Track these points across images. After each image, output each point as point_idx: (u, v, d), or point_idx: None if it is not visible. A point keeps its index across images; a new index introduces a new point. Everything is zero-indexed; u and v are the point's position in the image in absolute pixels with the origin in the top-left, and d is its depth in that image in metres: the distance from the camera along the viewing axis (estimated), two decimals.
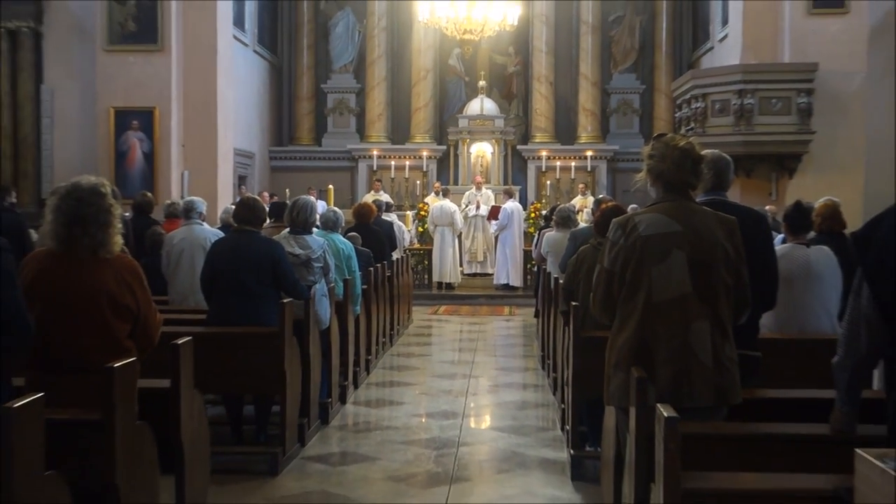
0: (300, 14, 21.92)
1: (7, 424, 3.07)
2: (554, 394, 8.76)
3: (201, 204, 8.57)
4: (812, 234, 6.46)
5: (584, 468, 6.35)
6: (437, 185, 19.73)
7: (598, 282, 4.16)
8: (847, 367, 3.29)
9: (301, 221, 7.67)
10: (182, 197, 12.47)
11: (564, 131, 21.89)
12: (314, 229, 8.05)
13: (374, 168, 21.12)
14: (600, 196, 17.18)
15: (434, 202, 18.15)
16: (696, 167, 4.10)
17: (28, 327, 3.66)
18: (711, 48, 18.85)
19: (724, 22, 17.11)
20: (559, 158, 21.07)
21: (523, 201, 19.80)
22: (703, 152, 4.24)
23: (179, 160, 14.42)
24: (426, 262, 17.79)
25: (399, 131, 22.08)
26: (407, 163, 21.02)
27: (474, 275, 18.40)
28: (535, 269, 14.39)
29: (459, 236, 17.96)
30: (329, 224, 8.92)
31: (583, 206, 16.60)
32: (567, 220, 10.57)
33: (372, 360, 10.41)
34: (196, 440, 4.77)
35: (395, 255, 13.20)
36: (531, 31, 21.52)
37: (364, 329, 9.78)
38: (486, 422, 8.29)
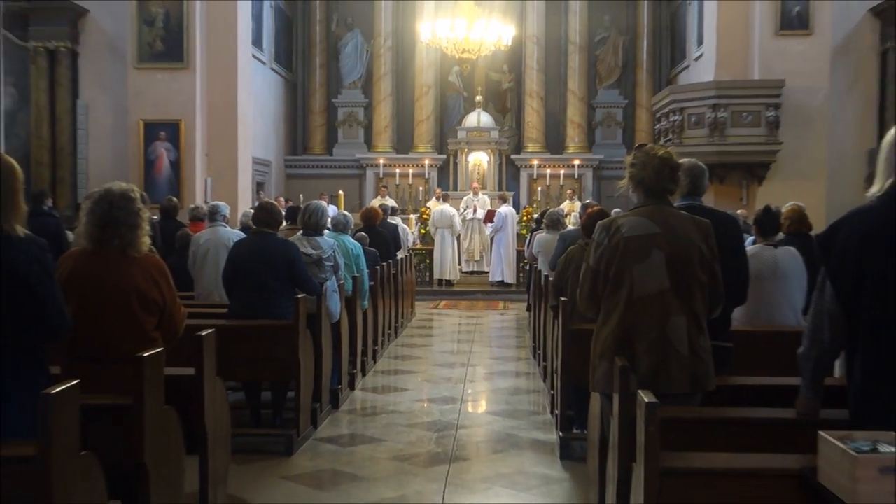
0: (313, 35, 21.91)
1: (46, 409, 3.08)
2: (544, 381, 8.76)
3: (225, 208, 8.58)
4: (780, 235, 6.46)
5: (572, 449, 6.35)
6: (437, 191, 19.73)
7: (585, 279, 4.15)
8: (811, 357, 3.29)
9: (313, 224, 7.67)
10: (206, 201, 12.47)
11: (554, 142, 21.88)
12: (326, 231, 8.05)
13: (381, 175, 21.12)
14: (586, 201, 17.18)
15: (435, 206, 18.16)
16: (674, 174, 4.10)
17: (66, 319, 3.66)
18: (688, 66, 18.84)
19: (700, 42, 17.10)
20: (549, 167, 21.12)
21: (516, 206, 19.82)
22: (680, 161, 4.24)
23: (203, 168, 14.41)
24: (428, 261, 17.80)
25: (403, 142, 22.06)
26: (410, 170, 21.06)
27: (472, 273, 18.39)
28: (528, 267, 14.40)
29: (458, 237, 17.98)
30: (339, 226, 8.92)
31: (571, 210, 16.57)
32: (556, 222, 10.57)
33: (378, 350, 10.41)
34: (218, 423, 4.76)
35: (400, 255, 13.19)
36: (524, 50, 21.50)
37: (371, 322, 9.78)
38: (483, 406, 8.29)
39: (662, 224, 3.99)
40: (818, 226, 6.19)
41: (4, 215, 3.55)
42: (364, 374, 9.28)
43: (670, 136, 14.65)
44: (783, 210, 6.93)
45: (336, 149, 22.20)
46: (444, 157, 21.63)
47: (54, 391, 3.12)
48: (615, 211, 9.08)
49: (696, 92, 14.72)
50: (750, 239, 6.43)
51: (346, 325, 8.30)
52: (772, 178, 14.24)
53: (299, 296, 6.73)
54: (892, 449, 2.70)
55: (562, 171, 21.01)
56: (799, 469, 2.96)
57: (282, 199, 17.27)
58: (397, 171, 21.03)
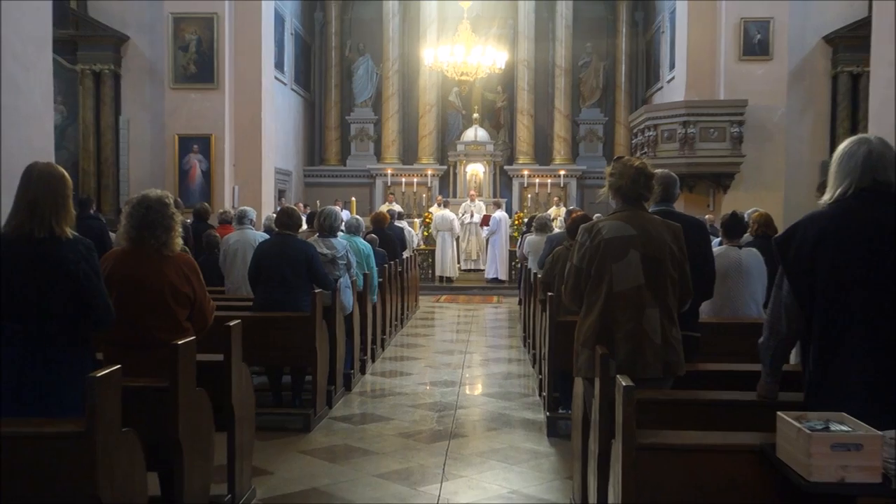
0: (329, 59, 21.92)
1: (92, 390, 3.07)
2: (533, 366, 8.76)
3: (252, 212, 8.57)
4: (746, 237, 6.46)
5: (558, 427, 6.35)
6: (439, 198, 19.81)
7: (569, 276, 4.15)
8: (770, 346, 3.29)
9: (328, 227, 7.67)
10: (233, 207, 12.48)
11: (542, 154, 21.87)
12: (339, 233, 8.05)
13: (388, 184, 21.13)
14: (571, 207, 17.24)
15: (437, 211, 18.18)
16: (649, 183, 4.10)
17: (110, 311, 3.67)
18: (661, 87, 18.85)
19: (672, 66, 17.11)
20: (538, 176, 21.12)
21: (509, 211, 19.78)
22: (654, 171, 4.24)
23: (231, 177, 14.41)
24: (430, 260, 17.79)
25: (408, 154, 22.06)
26: (415, 179, 21.08)
27: (469, 270, 18.40)
28: (519, 265, 14.39)
29: (457, 239, 17.98)
30: (352, 229, 8.92)
31: (557, 215, 16.58)
32: (544, 226, 10.57)
33: (386, 339, 10.41)
34: (244, 403, 4.76)
35: (405, 255, 13.18)
36: (515, 73, 21.50)
37: (380, 314, 9.79)
38: (479, 389, 8.28)
39: (638, 227, 3.98)
40: (777, 229, 6.19)
41: (56, 219, 3.56)
42: (373, 360, 9.28)
43: (645, 149, 14.66)
44: (752, 216, 6.93)
45: (349, 160, 22.21)
46: (445, 167, 21.62)
47: (99, 375, 3.12)
48: (596, 216, 9.09)
49: (669, 110, 14.72)
50: (716, 241, 6.43)
51: (358, 317, 8.30)
52: (736, 187, 14.25)
53: (316, 290, 6.73)
54: (843, 428, 2.70)
55: (549, 181, 21.01)
56: (759, 445, 2.96)
57: (301, 204, 17.26)
58: (403, 180, 21.05)
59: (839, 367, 3.02)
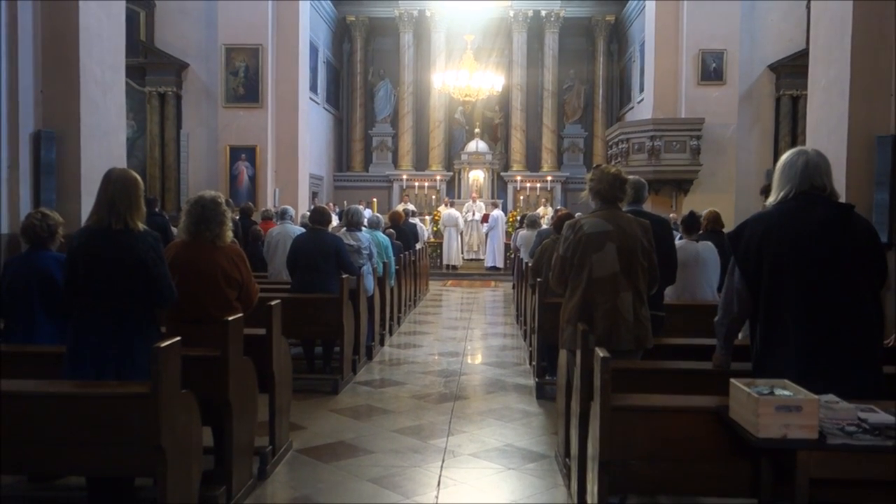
0: (354, 83, 21.88)
1: (156, 358, 3.09)
2: (524, 340, 8.75)
3: (291, 210, 8.59)
4: (700, 232, 6.42)
5: (545, 391, 6.35)
6: (446, 199, 19.77)
7: (555, 265, 4.14)
8: (724, 323, 3.27)
9: (353, 222, 7.67)
10: (274, 206, 12.48)
11: (532, 163, 21.79)
12: (363, 228, 8.04)
13: (404, 187, 21.08)
14: (557, 207, 17.19)
15: (444, 210, 18.14)
16: (624, 187, 4.09)
17: (173, 292, 3.67)
18: (633, 107, 18.76)
19: (641, 89, 17.03)
20: (529, 181, 21.04)
21: (505, 210, 19.75)
22: (627, 177, 4.22)
23: (272, 181, 14.40)
24: (439, 251, 17.76)
25: (421, 162, 22.00)
26: (426, 183, 21.02)
27: (471, 260, 18.37)
28: (513, 256, 14.37)
29: (461, 234, 17.96)
30: (373, 224, 8.92)
31: (545, 213, 16.52)
32: (534, 223, 10.54)
33: (402, 316, 10.41)
34: (283, 370, 4.77)
35: (418, 246, 13.17)
36: (510, 95, 21.41)
37: (396, 296, 9.78)
38: (479, 359, 8.28)
39: (614, 224, 3.97)
40: (729, 226, 6.15)
41: (130, 214, 3.57)
42: (391, 335, 9.27)
43: (619, 159, 14.59)
44: (703, 214, 6.90)
45: (371, 167, 22.17)
46: (451, 173, 21.57)
47: (162, 345, 3.13)
48: (578, 214, 9.07)
49: (639, 127, 14.66)
50: (678, 236, 6.40)
51: (378, 298, 8.30)
52: (694, 191, 14.19)
53: (343, 276, 6.72)
54: (786, 392, 2.69)
55: (538, 185, 20.93)
56: (715, 407, 2.95)
57: (331, 204, 17.27)
58: (416, 183, 21.00)
59: (779, 341, 3.01)
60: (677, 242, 5.53)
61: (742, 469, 2.89)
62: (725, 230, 6.36)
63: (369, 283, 7.76)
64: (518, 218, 16.11)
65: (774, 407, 2.57)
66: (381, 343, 8.61)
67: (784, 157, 3.17)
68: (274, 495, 4.18)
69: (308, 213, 8.66)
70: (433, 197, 20.85)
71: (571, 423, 3.91)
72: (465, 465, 4.66)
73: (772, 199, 3.14)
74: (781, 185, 3.10)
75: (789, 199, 3.07)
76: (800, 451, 2.58)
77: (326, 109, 20.30)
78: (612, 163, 14.53)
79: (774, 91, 14.86)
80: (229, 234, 4.27)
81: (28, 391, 3.31)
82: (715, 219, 6.83)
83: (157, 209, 10.40)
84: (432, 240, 17.82)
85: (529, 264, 8.23)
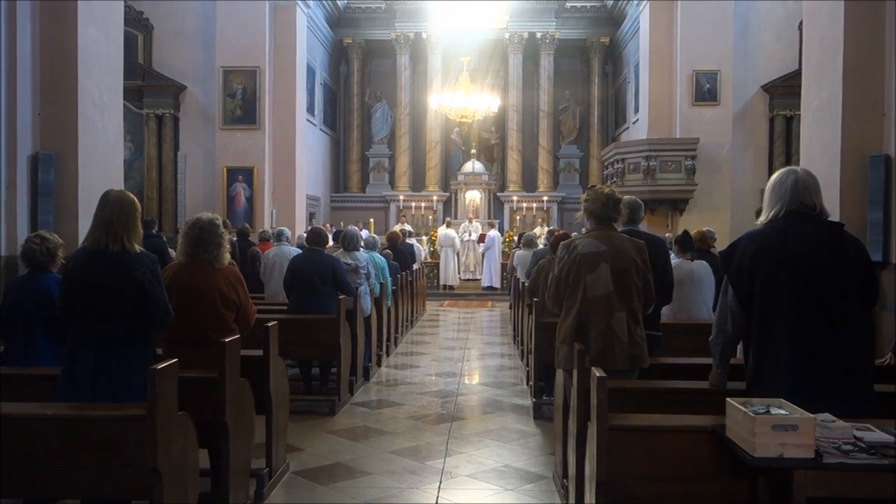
0: (351, 104, 21.96)
1: (153, 380, 3.08)
2: (521, 360, 8.74)
3: (287, 231, 8.61)
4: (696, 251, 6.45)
5: (542, 411, 6.33)
6: (447, 219, 19.80)
7: (551, 284, 4.15)
8: (719, 342, 3.28)
9: (351, 243, 7.67)
10: (272, 227, 12.48)
11: (528, 183, 21.83)
12: (360, 248, 8.05)
13: (401, 207, 21.08)
14: (552, 227, 17.22)
15: (441, 230, 18.16)
16: (617, 207, 4.11)
17: (170, 314, 3.67)
18: (628, 127, 18.86)
19: (636, 110, 17.14)
20: (525, 201, 21.05)
21: (501, 230, 19.76)
22: (622, 197, 4.24)
23: (270, 202, 14.43)
24: (435, 271, 17.76)
25: (417, 183, 22.02)
26: (423, 204, 21.01)
27: (468, 280, 18.34)
28: (509, 276, 14.37)
29: (458, 254, 17.97)
30: (370, 245, 8.92)
31: (541, 233, 16.52)
32: (530, 243, 10.55)
33: (398, 337, 10.39)
34: (279, 391, 4.75)
35: (415, 266, 13.17)
36: (506, 116, 21.50)
37: (393, 316, 9.77)
38: (476, 379, 8.26)
39: (608, 244, 3.98)
40: (723, 246, 6.19)
41: (127, 236, 3.58)
42: (388, 355, 9.25)
43: (615, 179, 14.67)
44: (693, 234, 6.94)
45: (368, 188, 22.19)
46: (448, 194, 21.58)
47: (159, 367, 3.13)
48: (574, 234, 9.08)
49: (634, 147, 14.75)
50: (673, 255, 6.42)
51: (375, 319, 8.29)
52: (690, 210, 14.25)
53: (340, 297, 6.72)
54: (781, 411, 2.69)
55: (534, 205, 20.94)
56: (711, 426, 2.95)
57: (328, 224, 17.28)
58: (413, 204, 20.99)
59: (772, 359, 3.01)
60: (673, 262, 5.55)
61: (739, 488, 2.88)
62: (718, 250, 6.38)
63: (366, 303, 7.75)
64: (514, 238, 16.13)
65: (770, 426, 2.58)
66: (379, 364, 8.58)
67: (774, 176, 3.20)
68: None
69: (305, 234, 8.68)
70: (430, 217, 20.86)
71: (569, 444, 3.90)
72: (462, 486, 4.64)
73: (763, 218, 3.16)
74: (772, 203, 3.13)
75: (780, 218, 3.09)
76: (796, 470, 2.58)
77: (323, 131, 20.38)
78: (608, 183, 14.60)
79: (768, 111, 14.97)
80: (227, 256, 4.28)
81: (23, 413, 3.30)
82: (702, 238, 6.89)
83: (154, 231, 10.39)
84: (429, 260, 17.81)
85: (526, 284, 8.24)
